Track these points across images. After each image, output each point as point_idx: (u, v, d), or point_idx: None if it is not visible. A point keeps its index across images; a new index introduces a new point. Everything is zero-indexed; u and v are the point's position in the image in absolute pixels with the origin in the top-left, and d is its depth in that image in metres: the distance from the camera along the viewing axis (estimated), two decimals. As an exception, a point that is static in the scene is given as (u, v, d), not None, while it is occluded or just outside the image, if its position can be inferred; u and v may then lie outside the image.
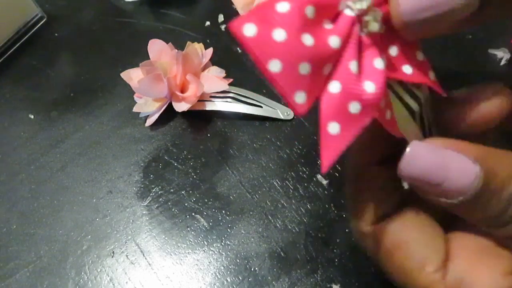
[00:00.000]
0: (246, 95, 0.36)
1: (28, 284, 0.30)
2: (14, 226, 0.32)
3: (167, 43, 0.36)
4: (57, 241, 0.31)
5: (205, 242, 0.30)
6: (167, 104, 0.35)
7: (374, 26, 0.14)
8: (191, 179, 0.33)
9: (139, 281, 0.30)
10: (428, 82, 0.16)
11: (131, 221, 0.32)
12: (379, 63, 0.14)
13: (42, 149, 0.36)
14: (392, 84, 0.16)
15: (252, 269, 0.29)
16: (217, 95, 0.36)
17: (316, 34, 0.13)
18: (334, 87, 0.14)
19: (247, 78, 0.37)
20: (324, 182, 0.32)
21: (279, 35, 0.13)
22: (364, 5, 0.13)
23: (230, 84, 0.36)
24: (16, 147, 0.36)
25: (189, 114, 0.36)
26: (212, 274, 0.29)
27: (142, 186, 0.33)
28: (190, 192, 0.33)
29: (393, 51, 0.15)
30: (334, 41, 0.13)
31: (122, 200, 0.33)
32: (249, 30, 0.13)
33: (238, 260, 0.30)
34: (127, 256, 0.31)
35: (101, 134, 0.36)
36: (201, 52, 0.37)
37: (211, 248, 0.30)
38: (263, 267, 0.29)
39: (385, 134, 0.17)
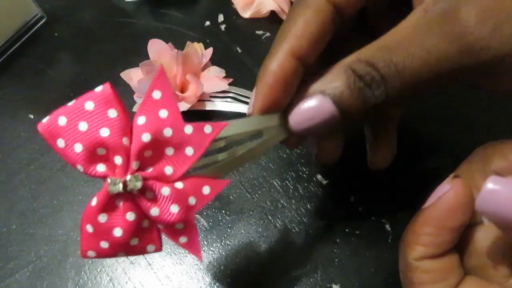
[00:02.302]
0: (246, 95, 0.36)
1: (28, 284, 0.30)
2: (14, 226, 0.32)
3: (167, 43, 0.36)
4: (57, 241, 0.31)
5: (205, 242, 0.30)
6: (167, 104, 0.35)
7: (137, 187, 0.19)
8: (191, 179, 0.33)
9: (139, 281, 0.29)
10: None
11: (131, 221, 0.32)
12: (154, 212, 0.19)
13: (42, 149, 0.36)
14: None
15: (252, 269, 0.29)
16: (217, 95, 0.36)
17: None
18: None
19: (247, 78, 0.37)
20: (324, 182, 0.32)
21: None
22: (120, 189, 0.18)
23: (230, 84, 0.36)
24: (16, 147, 0.36)
25: (189, 114, 0.36)
26: (212, 274, 0.29)
27: (142, 186, 0.33)
28: (190, 192, 0.32)
29: (169, 151, 0.21)
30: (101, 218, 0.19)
31: (122, 200, 0.33)
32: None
33: (238, 260, 0.30)
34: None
35: (101, 134, 0.36)
36: (201, 52, 0.37)
37: (211, 248, 0.30)
38: (263, 267, 0.29)
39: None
